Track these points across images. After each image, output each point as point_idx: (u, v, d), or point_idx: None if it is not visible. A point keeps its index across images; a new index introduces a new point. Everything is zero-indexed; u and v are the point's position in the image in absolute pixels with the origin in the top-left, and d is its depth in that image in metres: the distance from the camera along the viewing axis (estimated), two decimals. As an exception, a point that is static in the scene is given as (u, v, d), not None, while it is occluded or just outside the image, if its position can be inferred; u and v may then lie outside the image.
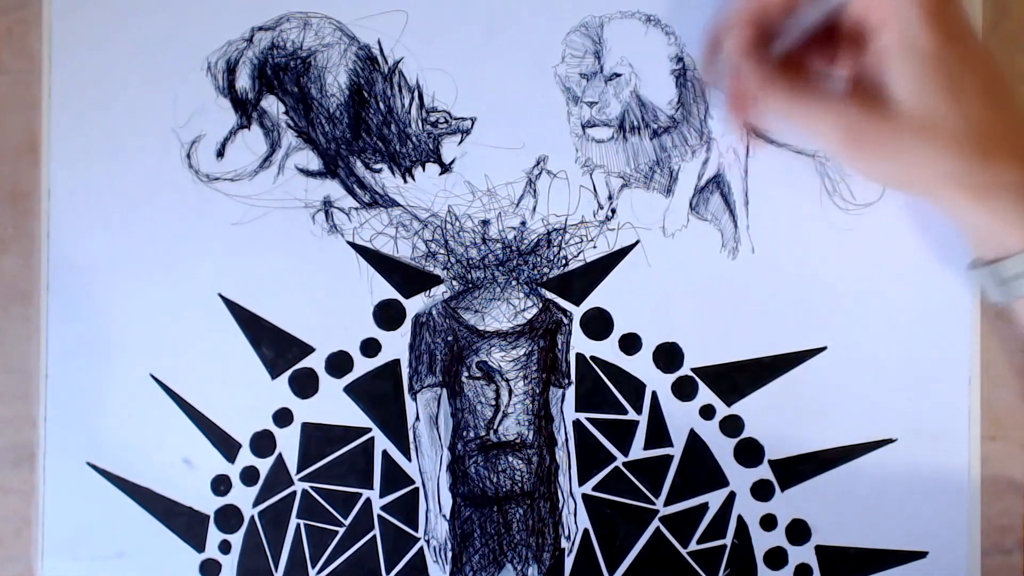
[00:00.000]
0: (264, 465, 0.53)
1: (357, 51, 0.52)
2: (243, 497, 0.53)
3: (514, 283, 0.53)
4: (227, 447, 0.53)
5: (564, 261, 0.52)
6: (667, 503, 0.52)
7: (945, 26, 0.42)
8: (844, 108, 0.44)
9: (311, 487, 0.53)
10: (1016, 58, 0.52)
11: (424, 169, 0.53)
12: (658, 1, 0.52)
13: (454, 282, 0.53)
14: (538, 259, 0.53)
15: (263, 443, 0.53)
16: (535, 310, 0.53)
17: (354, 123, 0.53)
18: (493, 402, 0.53)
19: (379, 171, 0.53)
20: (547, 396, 0.53)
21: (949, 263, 0.51)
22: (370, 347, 0.53)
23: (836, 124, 0.44)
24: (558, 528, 0.52)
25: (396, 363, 0.53)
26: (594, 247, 0.52)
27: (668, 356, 0.52)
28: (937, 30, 0.42)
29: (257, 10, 0.52)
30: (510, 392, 0.53)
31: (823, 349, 0.52)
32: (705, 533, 0.52)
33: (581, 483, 0.52)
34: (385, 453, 0.53)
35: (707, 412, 0.52)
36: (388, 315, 0.53)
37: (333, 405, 0.53)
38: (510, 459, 0.53)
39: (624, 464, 0.52)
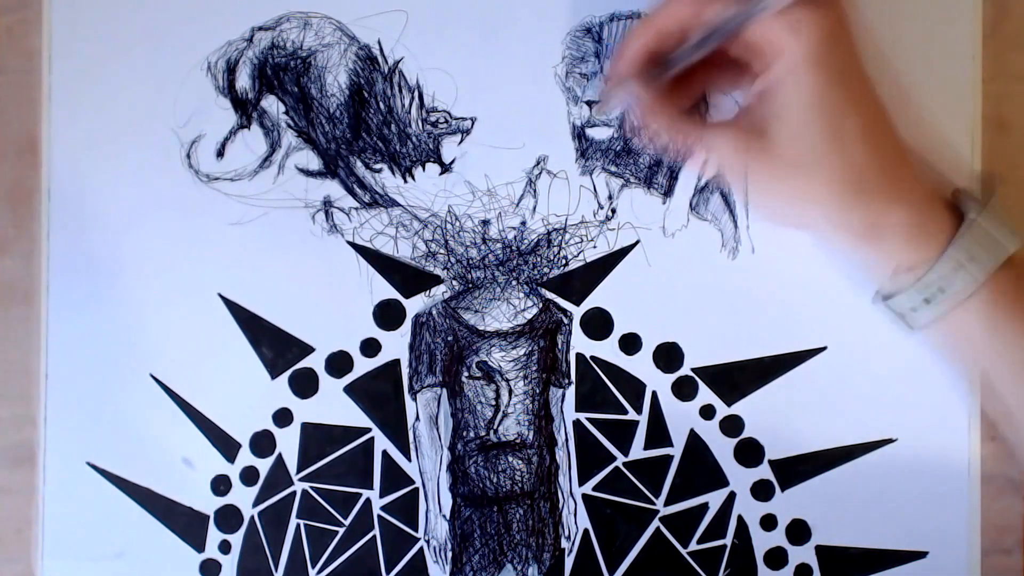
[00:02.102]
0: (264, 465, 0.53)
1: (357, 51, 0.52)
2: (243, 497, 0.53)
3: (514, 283, 0.53)
4: (227, 447, 0.53)
5: (564, 261, 0.52)
6: (667, 503, 0.52)
7: (830, 70, 0.42)
8: (729, 140, 0.44)
9: (311, 487, 0.53)
10: (1016, 58, 0.52)
11: (424, 169, 0.53)
12: (658, 1, 0.52)
13: (454, 282, 0.53)
14: (538, 259, 0.53)
15: (263, 443, 0.53)
16: (535, 310, 0.53)
17: (354, 123, 0.53)
18: (493, 402, 0.53)
19: (379, 171, 0.53)
20: (547, 396, 0.53)
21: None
22: (370, 347, 0.53)
23: (722, 153, 0.45)
24: (558, 528, 0.52)
25: (396, 363, 0.53)
26: (594, 247, 0.52)
27: (668, 356, 0.52)
28: (822, 74, 0.42)
29: (257, 10, 0.52)
30: (510, 392, 0.53)
31: (823, 349, 0.52)
32: (705, 533, 0.52)
33: (581, 483, 0.52)
34: (385, 453, 0.53)
35: (707, 412, 0.52)
36: (388, 315, 0.53)
37: (333, 405, 0.53)
38: (510, 459, 0.53)
39: (624, 464, 0.52)
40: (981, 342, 0.44)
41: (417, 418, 0.53)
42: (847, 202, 0.43)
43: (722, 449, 0.52)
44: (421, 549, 0.53)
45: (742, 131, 0.44)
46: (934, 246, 0.43)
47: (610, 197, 0.52)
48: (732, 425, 0.52)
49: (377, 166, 0.53)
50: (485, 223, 0.52)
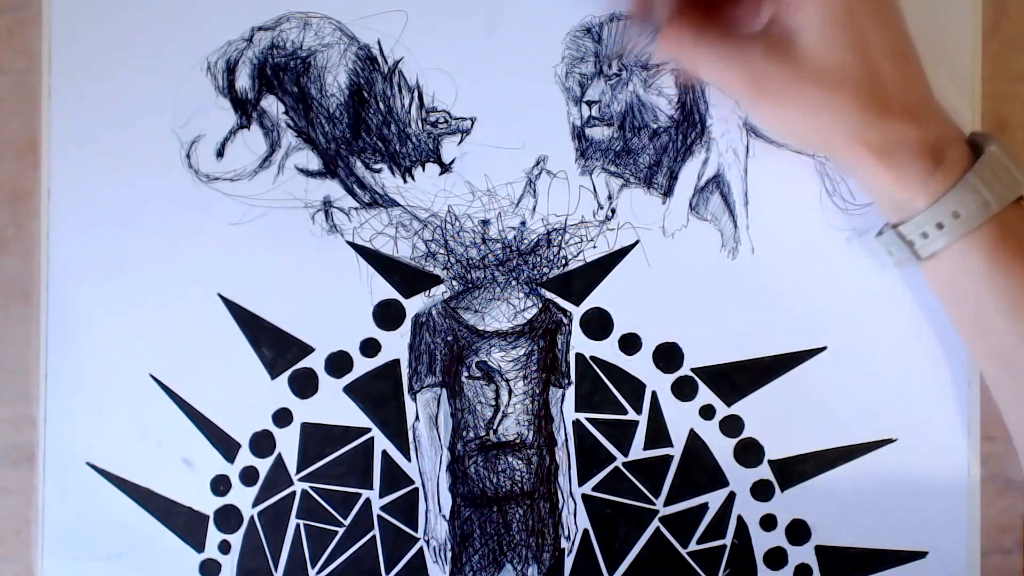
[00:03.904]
0: (264, 465, 0.53)
1: (357, 51, 0.52)
2: (243, 497, 0.53)
3: (514, 283, 0.53)
4: (226, 447, 0.53)
5: (564, 261, 0.52)
6: (667, 503, 0.52)
7: None
8: (750, 51, 0.44)
9: (311, 487, 0.53)
10: (1016, 58, 0.52)
11: (424, 169, 0.53)
12: (658, 1, 0.52)
13: (454, 282, 0.53)
14: (538, 259, 0.53)
15: (262, 443, 0.53)
16: (535, 310, 0.53)
17: (354, 123, 0.53)
18: (493, 402, 0.53)
19: (379, 171, 0.53)
20: (547, 396, 0.53)
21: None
22: (370, 347, 0.53)
23: (740, 67, 0.44)
24: (558, 528, 0.52)
25: (396, 363, 0.53)
26: (594, 247, 0.52)
27: (668, 356, 0.52)
28: None
29: (257, 10, 0.52)
30: (510, 392, 0.53)
31: (823, 349, 0.52)
32: (705, 533, 0.52)
33: (581, 483, 0.52)
34: (385, 453, 0.53)
35: (707, 412, 0.52)
36: (388, 315, 0.53)
37: (333, 405, 0.53)
38: (510, 459, 0.53)
39: (624, 464, 0.52)
40: (981, 277, 0.44)
41: (417, 418, 0.53)
42: (869, 115, 0.43)
43: (722, 449, 0.52)
44: (421, 549, 0.53)
45: (764, 45, 0.44)
46: (951, 170, 0.44)
47: (610, 197, 0.52)
48: (732, 425, 0.52)
49: (377, 166, 0.53)
50: (485, 223, 0.52)
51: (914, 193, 0.44)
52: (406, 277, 0.53)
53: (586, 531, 0.52)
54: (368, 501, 0.53)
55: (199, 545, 0.53)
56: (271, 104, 0.53)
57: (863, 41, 0.43)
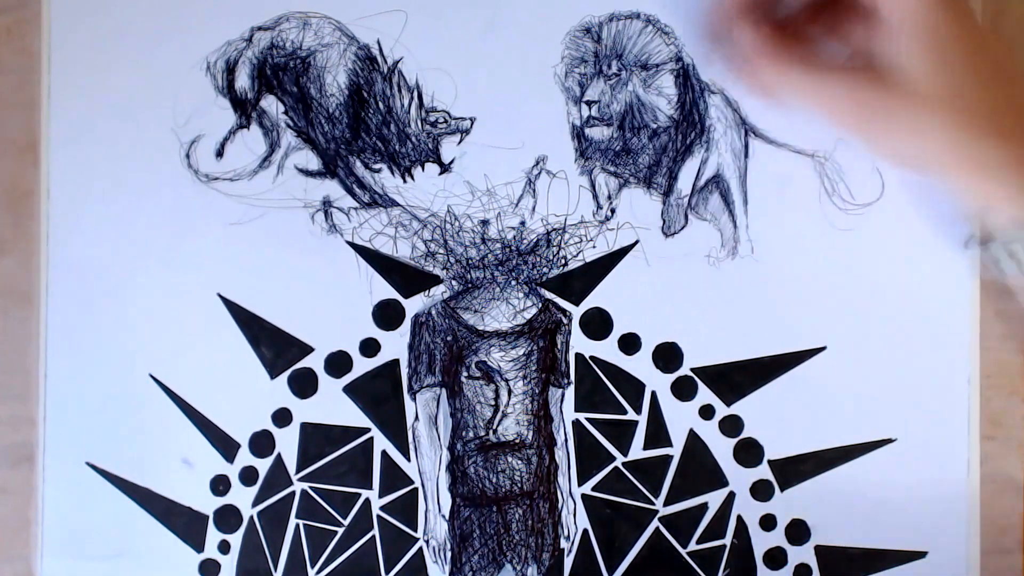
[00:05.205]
0: (263, 465, 0.53)
1: (356, 51, 0.52)
2: (242, 497, 0.53)
3: (513, 283, 0.53)
4: (226, 447, 0.53)
5: (563, 261, 0.52)
6: (667, 503, 0.52)
7: (960, 11, 0.43)
8: (853, 82, 0.44)
9: (310, 487, 0.53)
10: (1015, 57, 0.52)
11: (423, 169, 0.53)
12: (657, 1, 0.52)
13: (453, 282, 0.53)
14: (537, 259, 0.52)
15: (262, 443, 0.53)
16: (534, 310, 0.53)
17: (353, 123, 0.53)
18: (492, 402, 0.53)
19: (378, 171, 0.53)
20: (546, 396, 0.53)
21: (948, 262, 0.51)
22: (369, 347, 0.53)
23: (845, 98, 0.44)
24: (557, 528, 0.52)
25: (395, 363, 0.53)
26: (593, 247, 0.52)
27: (667, 356, 0.52)
28: (960, 8, 0.43)
29: (257, 10, 0.52)
30: (509, 392, 0.53)
31: (823, 349, 0.52)
32: (705, 533, 0.52)
33: (580, 483, 0.52)
34: (384, 453, 0.53)
35: (707, 412, 0.52)
36: (387, 315, 0.53)
37: (332, 405, 0.53)
38: (509, 459, 0.53)
39: (623, 464, 0.52)
40: None
41: (416, 418, 0.53)
42: (982, 136, 0.43)
43: (721, 449, 0.52)
44: (420, 549, 0.53)
45: (865, 75, 0.44)
46: None
47: (609, 197, 0.52)
48: (732, 425, 0.52)
49: (376, 166, 0.53)
50: (484, 223, 0.52)
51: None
52: (406, 277, 0.53)
53: (586, 531, 0.52)
54: (368, 501, 0.53)
55: (199, 545, 0.53)
56: (271, 104, 0.53)
57: (973, 66, 0.43)
